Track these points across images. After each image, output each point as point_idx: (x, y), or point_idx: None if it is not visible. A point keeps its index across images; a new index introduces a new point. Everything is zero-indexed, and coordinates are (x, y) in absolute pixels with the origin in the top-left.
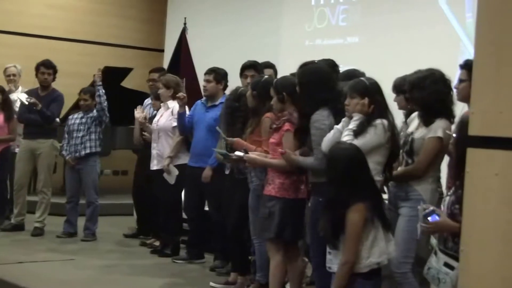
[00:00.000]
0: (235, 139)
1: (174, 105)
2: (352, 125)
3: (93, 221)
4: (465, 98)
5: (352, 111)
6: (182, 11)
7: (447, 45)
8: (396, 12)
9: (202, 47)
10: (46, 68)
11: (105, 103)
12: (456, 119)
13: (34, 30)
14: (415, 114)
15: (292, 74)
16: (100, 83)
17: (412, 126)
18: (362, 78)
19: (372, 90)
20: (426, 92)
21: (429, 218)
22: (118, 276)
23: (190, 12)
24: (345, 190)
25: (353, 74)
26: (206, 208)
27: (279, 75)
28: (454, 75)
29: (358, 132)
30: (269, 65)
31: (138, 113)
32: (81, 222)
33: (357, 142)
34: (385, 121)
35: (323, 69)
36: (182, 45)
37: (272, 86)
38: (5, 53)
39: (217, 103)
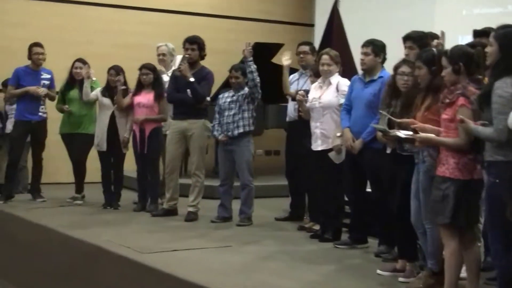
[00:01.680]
0: (409, 120)
1: (337, 80)
2: None
3: (248, 204)
4: None
5: None
6: None
7: None
8: None
9: (355, 20)
10: (190, 44)
11: (258, 79)
12: None
13: (177, 7)
14: None
15: (468, 45)
16: (251, 58)
17: None
18: None
19: None
20: None
21: None
22: (278, 263)
23: None
24: None
25: None
26: (368, 189)
27: None
28: None
29: None
30: (435, 36)
31: (287, 60)
32: (235, 205)
33: None
34: None
35: None
36: (334, 19)
37: (445, 57)
38: (147, 31)
39: (375, 77)
